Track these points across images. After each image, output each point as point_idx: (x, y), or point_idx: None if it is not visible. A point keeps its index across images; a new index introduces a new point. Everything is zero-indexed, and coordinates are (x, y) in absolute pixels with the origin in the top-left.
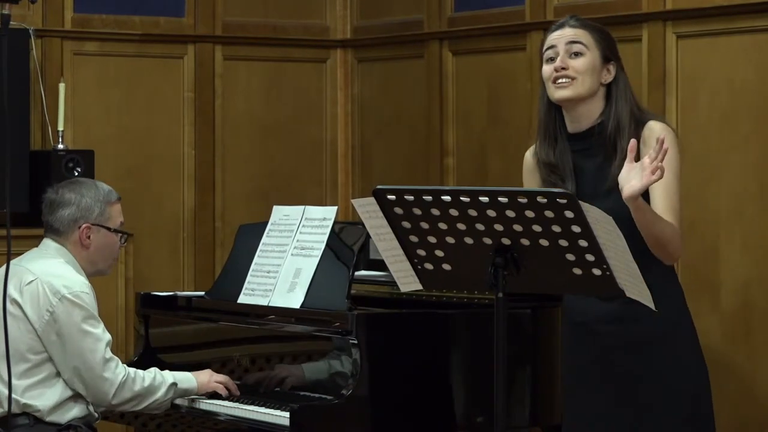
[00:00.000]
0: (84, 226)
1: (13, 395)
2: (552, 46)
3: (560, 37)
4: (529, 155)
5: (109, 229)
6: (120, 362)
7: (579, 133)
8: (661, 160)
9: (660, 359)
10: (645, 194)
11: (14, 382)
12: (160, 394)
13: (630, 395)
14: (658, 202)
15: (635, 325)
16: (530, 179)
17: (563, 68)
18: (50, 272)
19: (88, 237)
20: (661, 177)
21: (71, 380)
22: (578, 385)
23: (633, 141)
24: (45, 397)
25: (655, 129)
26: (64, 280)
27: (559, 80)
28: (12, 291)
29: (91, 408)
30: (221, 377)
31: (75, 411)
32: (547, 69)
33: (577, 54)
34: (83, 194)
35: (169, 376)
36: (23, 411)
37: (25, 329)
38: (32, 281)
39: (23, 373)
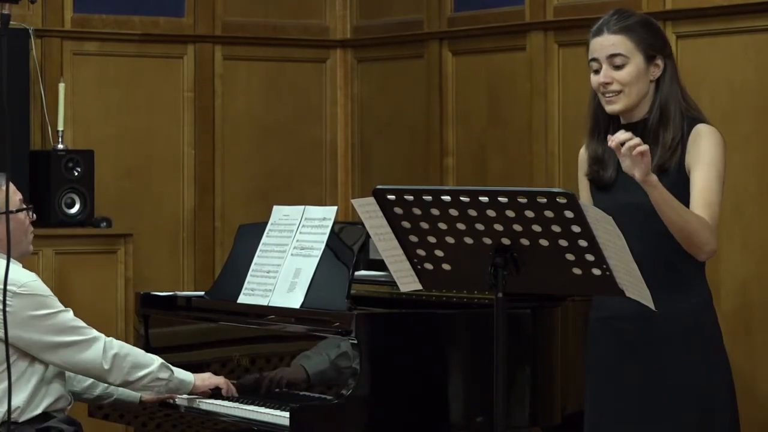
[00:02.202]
0: None
1: None
2: (594, 59)
3: (601, 48)
4: (582, 150)
5: (7, 213)
6: (93, 329)
7: (631, 123)
8: (632, 147)
9: (685, 357)
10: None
11: None
12: (154, 367)
13: (654, 392)
14: (695, 196)
15: (661, 322)
16: (581, 174)
17: (608, 83)
18: None
19: None
20: (642, 157)
21: (64, 366)
22: (602, 381)
23: (609, 137)
24: (20, 395)
25: (702, 130)
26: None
27: (607, 95)
28: None
29: (64, 389)
30: (222, 377)
31: (48, 399)
32: (594, 80)
33: (619, 66)
34: None
35: (161, 360)
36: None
37: None
38: None
39: None
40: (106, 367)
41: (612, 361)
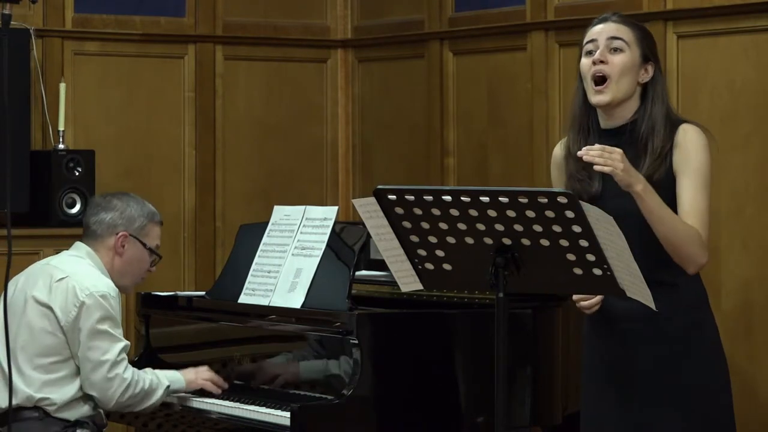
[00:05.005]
0: (121, 233)
1: (29, 389)
2: (592, 40)
3: (602, 31)
4: (557, 149)
5: (144, 245)
6: (129, 366)
7: (611, 129)
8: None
9: (682, 357)
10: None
11: (35, 374)
12: (157, 396)
13: (650, 392)
14: (684, 205)
15: (658, 322)
16: (557, 173)
17: (602, 61)
18: (81, 272)
19: (123, 246)
20: (603, 166)
21: (83, 378)
22: (597, 382)
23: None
24: (62, 392)
25: (688, 132)
26: (94, 280)
27: (597, 85)
28: (41, 290)
29: (100, 411)
30: (208, 374)
31: (85, 409)
32: (585, 62)
33: (617, 50)
34: (129, 205)
35: (163, 379)
36: (35, 405)
37: (52, 326)
38: (63, 278)
39: (45, 367)
40: (114, 405)
41: (610, 361)
